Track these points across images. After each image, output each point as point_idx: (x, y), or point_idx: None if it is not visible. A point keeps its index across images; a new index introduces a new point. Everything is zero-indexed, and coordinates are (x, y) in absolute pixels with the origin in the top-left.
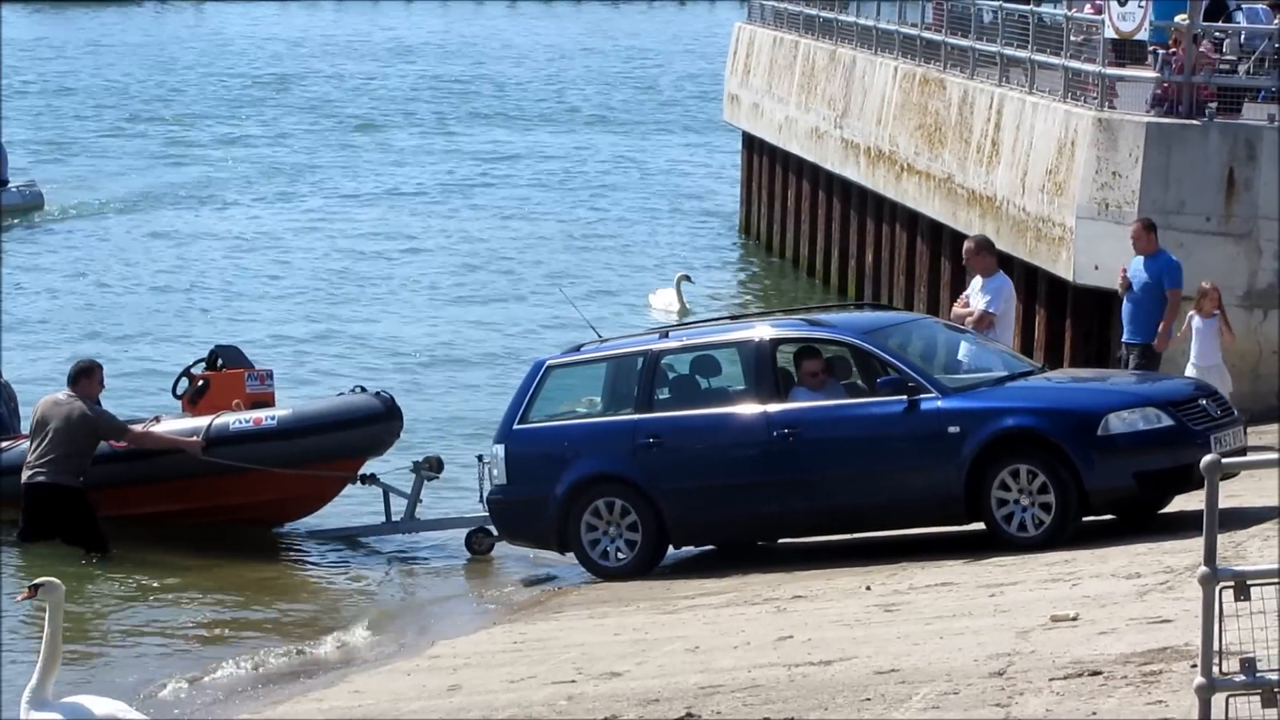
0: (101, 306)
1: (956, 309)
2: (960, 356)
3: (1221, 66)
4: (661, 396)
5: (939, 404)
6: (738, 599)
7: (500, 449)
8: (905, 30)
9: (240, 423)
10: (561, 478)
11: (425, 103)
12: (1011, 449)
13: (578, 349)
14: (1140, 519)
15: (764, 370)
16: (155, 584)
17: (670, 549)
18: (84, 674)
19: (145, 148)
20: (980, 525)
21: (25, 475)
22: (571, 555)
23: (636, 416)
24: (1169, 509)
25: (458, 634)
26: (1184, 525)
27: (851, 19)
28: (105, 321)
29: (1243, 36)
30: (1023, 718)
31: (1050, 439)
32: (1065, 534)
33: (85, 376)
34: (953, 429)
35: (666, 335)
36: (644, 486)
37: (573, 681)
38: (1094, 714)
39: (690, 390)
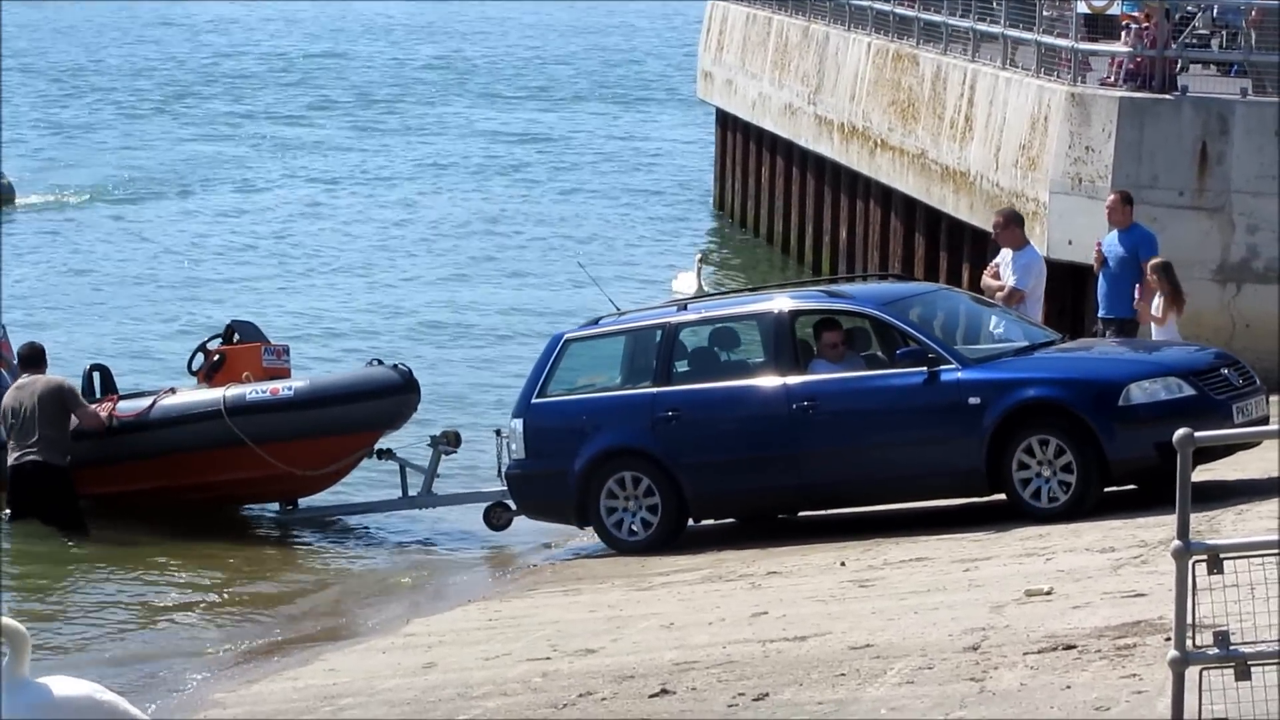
0: (100, 290)
1: (986, 277)
2: (980, 327)
3: (1193, 40)
4: (680, 369)
5: (959, 375)
6: (712, 575)
7: (518, 423)
8: (878, 6)
9: (257, 393)
10: (580, 452)
11: (396, 84)
12: (1032, 420)
13: (595, 322)
14: (1163, 490)
15: (783, 342)
16: (133, 564)
17: (690, 522)
18: (59, 653)
19: (133, 130)
20: (954, 501)
21: (12, 458)
22: (590, 529)
23: (655, 390)
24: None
25: (433, 612)
26: (1158, 500)
27: None
28: (108, 303)
29: (1215, 10)
30: (997, 691)
31: (1071, 409)
32: (1087, 505)
33: (38, 359)
34: (973, 400)
35: (685, 308)
36: (663, 460)
37: (548, 658)
38: (1068, 687)
39: (709, 363)
